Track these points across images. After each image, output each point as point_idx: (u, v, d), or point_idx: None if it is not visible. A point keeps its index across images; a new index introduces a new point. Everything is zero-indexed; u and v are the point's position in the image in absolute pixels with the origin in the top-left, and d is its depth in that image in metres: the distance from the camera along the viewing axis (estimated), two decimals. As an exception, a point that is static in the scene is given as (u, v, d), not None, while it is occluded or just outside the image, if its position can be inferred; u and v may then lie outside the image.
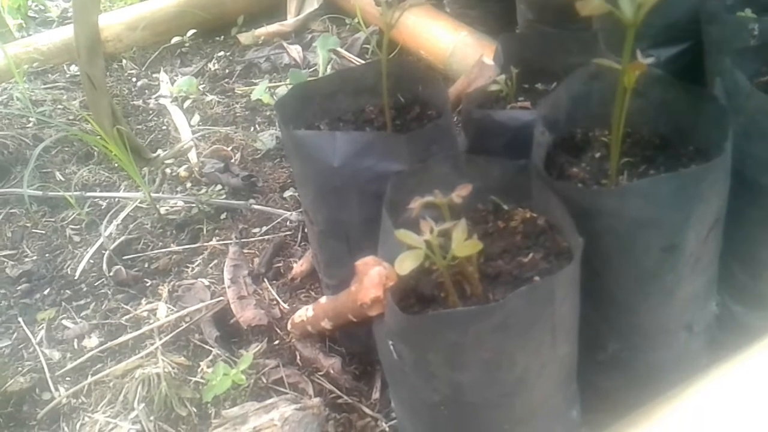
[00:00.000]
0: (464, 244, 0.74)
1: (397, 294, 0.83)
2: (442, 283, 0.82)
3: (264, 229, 1.61)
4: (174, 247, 1.60)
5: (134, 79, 2.31)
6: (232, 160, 1.83)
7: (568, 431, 0.92)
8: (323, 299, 1.08)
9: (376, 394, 1.21)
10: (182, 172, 1.81)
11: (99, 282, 1.54)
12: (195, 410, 1.23)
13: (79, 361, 1.35)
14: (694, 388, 0.88)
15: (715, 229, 0.90)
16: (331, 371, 1.22)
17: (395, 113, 1.16)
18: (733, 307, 1.08)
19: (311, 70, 2.18)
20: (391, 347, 0.81)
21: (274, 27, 2.42)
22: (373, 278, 0.81)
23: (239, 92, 2.16)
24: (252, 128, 1.99)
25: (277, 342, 1.32)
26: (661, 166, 0.94)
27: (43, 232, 1.70)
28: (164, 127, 2.05)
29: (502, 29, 1.85)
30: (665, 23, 1.33)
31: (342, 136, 1.02)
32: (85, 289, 1.53)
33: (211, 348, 1.33)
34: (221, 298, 1.41)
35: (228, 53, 2.39)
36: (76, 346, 1.40)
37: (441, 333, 0.75)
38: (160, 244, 1.61)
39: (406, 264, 0.74)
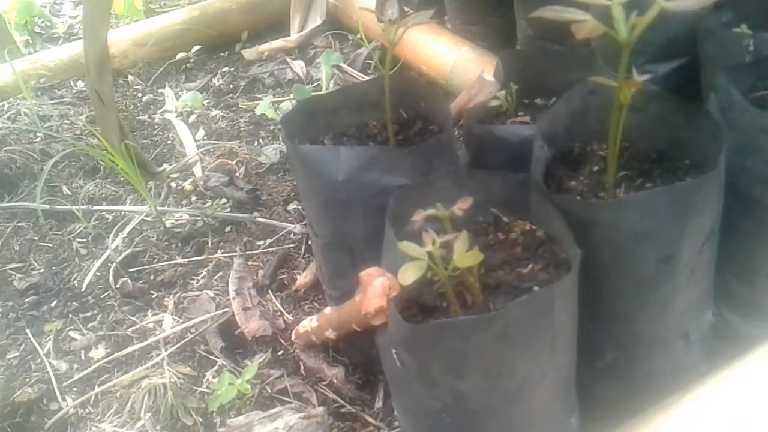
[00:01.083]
0: (465, 255, 0.76)
1: (401, 304, 0.85)
2: (444, 294, 0.84)
3: (268, 241, 1.63)
4: (179, 260, 1.62)
5: (140, 95, 2.35)
6: (237, 174, 1.85)
7: (568, 439, 0.94)
8: (327, 310, 1.10)
9: (379, 404, 1.23)
10: (187, 185, 1.83)
11: (105, 294, 1.56)
12: (200, 420, 1.24)
13: (86, 371, 1.37)
14: (691, 396, 0.90)
15: (710, 241, 0.92)
16: (335, 381, 1.24)
17: (398, 128, 1.19)
18: (728, 317, 1.10)
19: (314, 85, 2.21)
20: (395, 356, 0.84)
21: (277, 43, 2.46)
22: (376, 289, 0.83)
23: (243, 107, 2.19)
24: (256, 142, 2.02)
25: (281, 352, 1.34)
26: (658, 180, 0.96)
27: (50, 245, 1.72)
28: (169, 142, 2.08)
29: (502, 45, 1.88)
30: (663, 39, 1.35)
31: (346, 151, 1.04)
32: (91, 301, 1.55)
33: (216, 358, 1.35)
34: (226, 309, 1.43)
35: (232, 69, 2.42)
36: (83, 357, 1.42)
37: (443, 341, 0.77)
38: (166, 256, 1.64)
39: (409, 274, 0.76)
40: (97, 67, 1.42)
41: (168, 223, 1.71)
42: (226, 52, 2.53)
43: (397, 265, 0.79)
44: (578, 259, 0.81)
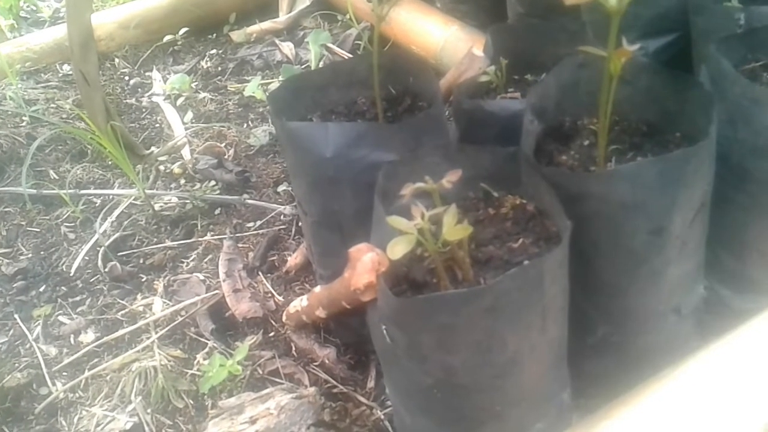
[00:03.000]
0: (454, 228, 0.75)
1: (390, 281, 0.84)
2: (435, 270, 0.83)
3: (258, 223, 1.62)
4: (169, 243, 1.60)
5: (127, 78, 2.32)
6: (226, 156, 1.84)
7: (560, 414, 0.94)
8: (317, 289, 1.09)
9: (371, 384, 1.23)
10: (176, 168, 1.82)
11: (94, 278, 1.55)
12: (192, 402, 1.24)
13: (75, 356, 1.36)
14: (683, 370, 0.89)
15: (701, 213, 0.91)
16: (326, 361, 1.23)
17: (387, 105, 1.18)
18: (720, 291, 1.10)
19: (303, 66, 2.19)
20: (385, 332, 0.83)
21: (266, 24, 2.43)
22: (365, 264, 0.82)
23: (232, 89, 2.17)
24: (245, 125, 2.00)
25: (272, 334, 1.33)
26: (648, 153, 0.95)
27: (38, 230, 1.70)
28: (157, 125, 2.06)
29: (492, 23, 1.85)
30: (653, 14, 1.34)
31: (334, 127, 1.03)
32: (80, 285, 1.54)
33: (206, 341, 1.34)
34: (216, 291, 1.42)
35: (220, 51, 2.40)
36: (72, 342, 1.41)
37: (432, 316, 0.76)
38: (155, 240, 1.62)
39: (398, 248, 0.75)
40: (81, 47, 1.40)
41: (157, 207, 1.69)
42: (214, 35, 2.50)
43: (387, 240, 0.78)
44: (568, 231, 0.80)
